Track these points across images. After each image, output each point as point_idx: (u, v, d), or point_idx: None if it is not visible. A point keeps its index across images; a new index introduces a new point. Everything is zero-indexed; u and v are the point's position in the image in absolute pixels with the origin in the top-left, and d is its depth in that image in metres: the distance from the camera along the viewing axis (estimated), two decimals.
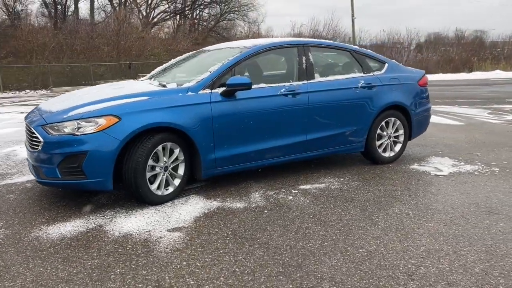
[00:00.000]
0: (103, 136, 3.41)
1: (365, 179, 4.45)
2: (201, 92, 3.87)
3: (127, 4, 40.20)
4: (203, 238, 3.02)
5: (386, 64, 5.12)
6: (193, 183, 4.28)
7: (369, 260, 2.67)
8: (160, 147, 3.63)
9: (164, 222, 3.32)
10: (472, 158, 5.27)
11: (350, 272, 2.52)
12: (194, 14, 45.76)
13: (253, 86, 4.14)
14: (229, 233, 3.10)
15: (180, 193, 3.90)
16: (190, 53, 5.33)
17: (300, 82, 4.40)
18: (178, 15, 45.36)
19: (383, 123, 4.93)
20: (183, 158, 3.83)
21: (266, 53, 4.43)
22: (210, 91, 3.90)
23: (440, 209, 3.56)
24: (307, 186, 4.21)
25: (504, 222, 3.27)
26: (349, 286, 2.37)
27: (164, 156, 3.70)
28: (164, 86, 4.07)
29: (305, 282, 2.41)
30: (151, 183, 3.66)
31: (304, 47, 4.54)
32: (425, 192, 4.00)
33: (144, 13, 42.29)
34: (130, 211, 3.57)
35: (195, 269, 2.57)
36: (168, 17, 44.37)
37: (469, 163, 5.04)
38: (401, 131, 5.11)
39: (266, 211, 3.54)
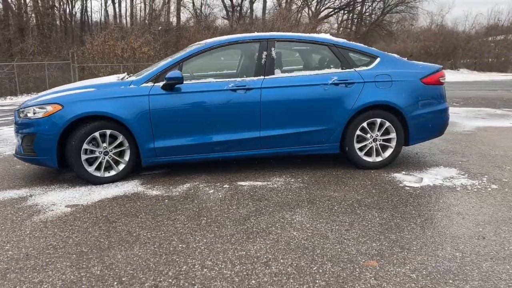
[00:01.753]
0: (48, 121, 4.01)
1: (317, 183, 4.15)
2: (143, 85, 4.18)
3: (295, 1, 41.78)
4: (78, 215, 3.36)
5: (378, 59, 4.58)
6: (154, 170, 4.62)
7: (166, 255, 2.66)
8: (97, 134, 4.06)
9: (75, 199, 3.76)
10: (486, 172, 4.37)
11: (133, 262, 2.57)
12: (363, 8, 45.08)
13: (200, 81, 4.30)
14: (104, 215, 3.38)
15: (126, 176, 4.28)
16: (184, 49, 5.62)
17: (255, 78, 4.32)
18: (342, 11, 45.26)
19: (364, 124, 4.46)
20: (128, 145, 4.20)
21: (221, 49, 4.47)
22: (153, 84, 4.18)
23: (334, 220, 3.19)
24: (245, 183, 4.15)
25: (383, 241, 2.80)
26: (112, 273, 2.45)
27: (104, 142, 4.12)
28: (122, 79, 4.49)
29: (81, 264, 2.57)
30: (91, 164, 4.13)
31: (267, 42, 4.43)
32: (355, 201, 3.59)
33: (314, 10, 43.39)
34: (69, 187, 4.11)
35: (25, 238, 2.95)
36: (332, 13, 44.66)
37: (471, 177, 4.21)
38: (392, 135, 4.54)
39: (166, 201, 3.68)
